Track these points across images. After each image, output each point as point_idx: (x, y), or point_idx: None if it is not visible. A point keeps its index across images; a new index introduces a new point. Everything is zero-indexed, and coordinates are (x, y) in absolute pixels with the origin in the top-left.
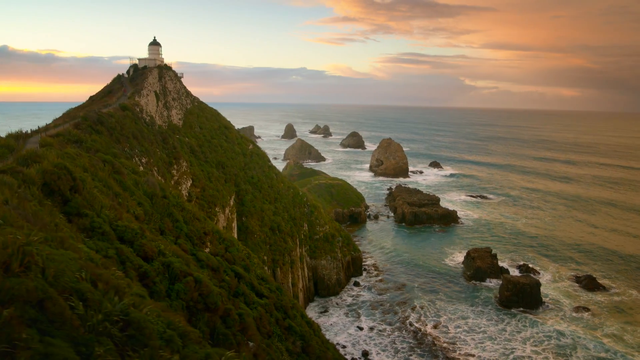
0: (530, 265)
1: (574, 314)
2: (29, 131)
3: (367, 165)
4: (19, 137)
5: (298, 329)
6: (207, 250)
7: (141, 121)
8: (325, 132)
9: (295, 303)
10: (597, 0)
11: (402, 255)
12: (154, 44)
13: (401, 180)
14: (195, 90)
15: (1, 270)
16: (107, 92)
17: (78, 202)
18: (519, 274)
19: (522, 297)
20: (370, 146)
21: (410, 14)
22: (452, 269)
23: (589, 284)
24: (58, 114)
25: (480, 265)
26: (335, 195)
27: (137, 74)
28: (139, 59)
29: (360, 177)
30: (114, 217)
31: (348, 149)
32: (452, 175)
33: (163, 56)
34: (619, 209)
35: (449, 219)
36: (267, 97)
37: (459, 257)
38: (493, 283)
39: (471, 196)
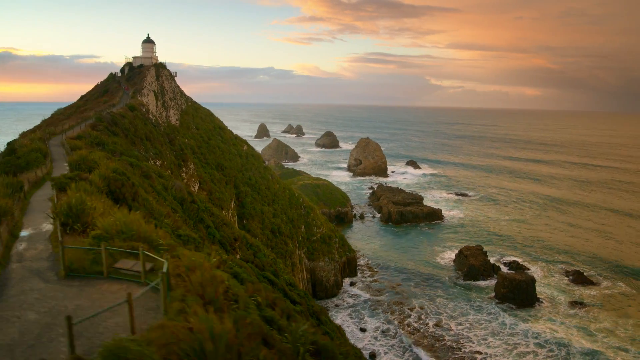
0: (520, 262)
1: (569, 310)
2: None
3: (345, 165)
4: (42, 139)
5: (333, 335)
6: (238, 256)
7: (149, 122)
8: (299, 131)
9: (323, 308)
10: (556, 3)
11: (393, 254)
12: (148, 41)
13: (381, 179)
14: None
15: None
16: (103, 91)
17: (142, 211)
18: (509, 271)
19: (518, 293)
20: (345, 146)
21: (377, 14)
22: (444, 267)
23: (578, 278)
24: (17, 114)
25: (474, 263)
26: (321, 196)
27: (134, 72)
28: (134, 57)
29: (339, 176)
30: (174, 226)
31: (323, 149)
32: (430, 174)
33: (157, 54)
34: (591, 207)
35: (434, 217)
36: (235, 96)
37: (450, 254)
38: (487, 281)
39: (452, 194)
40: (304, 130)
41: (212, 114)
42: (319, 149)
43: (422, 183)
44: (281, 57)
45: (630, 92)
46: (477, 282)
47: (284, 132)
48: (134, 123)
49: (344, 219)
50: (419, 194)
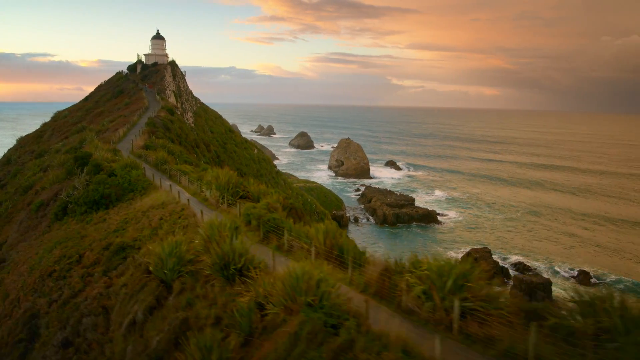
0: (526, 263)
1: None
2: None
3: (324, 166)
4: (114, 151)
5: None
6: None
7: (186, 126)
8: (270, 132)
9: None
10: (510, 5)
11: (400, 258)
12: (159, 37)
13: (364, 180)
14: None
15: None
16: (117, 92)
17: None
18: (518, 273)
19: (535, 297)
20: (319, 146)
21: (337, 14)
22: None
23: (585, 279)
24: None
25: (485, 266)
26: (315, 199)
27: (150, 71)
28: (145, 55)
29: (320, 178)
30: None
31: (298, 150)
32: (411, 174)
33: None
34: (580, 205)
35: (430, 218)
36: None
37: (453, 255)
38: (499, 284)
39: (438, 194)
40: (274, 131)
41: (220, 116)
42: (293, 150)
43: (406, 183)
44: (243, 57)
45: (581, 92)
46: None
47: (254, 132)
48: (182, 128)
49: (340, 222)
50: (408, 194)
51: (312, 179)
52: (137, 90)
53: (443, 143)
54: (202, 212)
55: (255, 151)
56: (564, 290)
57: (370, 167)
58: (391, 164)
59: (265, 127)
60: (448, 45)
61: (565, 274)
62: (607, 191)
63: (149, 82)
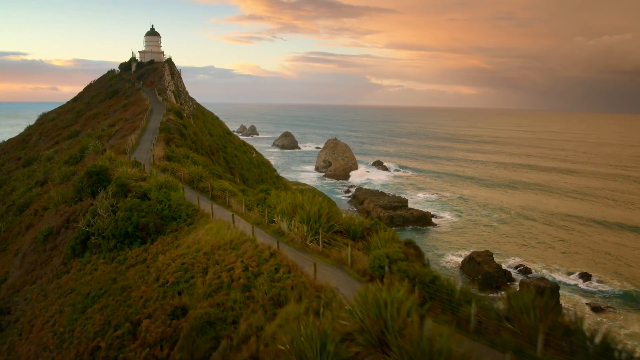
0: (528, 266)
1: (596, 316)
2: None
3: (310, 167)
4: (136, 165)
5: None
6: None
7: (198, 130)
8: (253, 132)
9: None
10: (486, 6)
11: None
12: (154, 34)
13: (353, 181)
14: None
15: None
16: (112, 92)
17: None
18: (524, 277)
19: None
20: (304, 146)
21: (316, 13)
22: (452, 273)
23: (587, 280)
24: None
25: (489, 270)
26: None
27: (147, 69)
28: (140, 52)
29: (308, 179)
30: None
31: (283, 150)
32: (399, 174)
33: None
34: (573, 202)
35: (425, 221)
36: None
37: (452, 259)
38: (502, 288)
39: (429, 195)
40: (257, 131)
41: (216, 117)
42: (278, 150)
43: (396, 184)
44: (221, 56)
45: (556, 91)
46: (494, 290)
47: (237, 132)
48: (197, 133)
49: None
50: (399, 195)
51: (300, 181)
52: (135, 90)
53: (427, 143)
54: (315, 267)
55: (254, 154)
56: (571, 293)
57: (358, 167)
58: (378, 163)
59: (247, 127)
60: (426, 45)
61: (568, 277)
62: (594, 192)
63: (147, 80)
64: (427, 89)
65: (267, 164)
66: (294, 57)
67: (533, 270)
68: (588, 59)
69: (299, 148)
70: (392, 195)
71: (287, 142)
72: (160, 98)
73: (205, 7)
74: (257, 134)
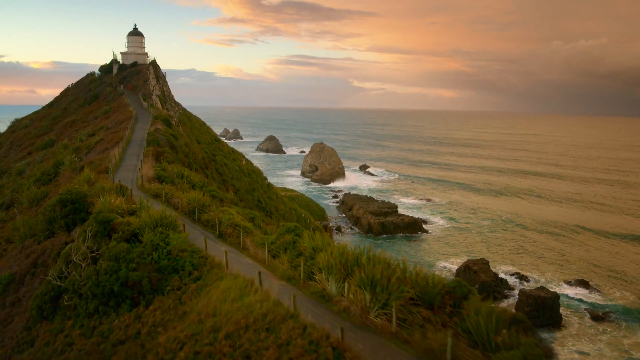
0: (524, 274)
1: (598, 326)
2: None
3: (296, 172)
4: (122, 190)
5: None
6: None
7: (189, 140)
8: (236, 135)
9: None
10: (466, 9)
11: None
12: (137, 34)
13: (339, 185)
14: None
15: None
16: (91, 97)
17: None
18: (522, 287)
19: (543, 312)
20: (289, 150)
21: (298, 16)
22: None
23: (585, 289)
24: None
25: (486, 279)
26: (299, 209)
27: (130, 72)
28: (122, 53)
29: (294, 184)
30: None
31: (267, 154)
32: (385, 178)
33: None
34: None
35: (416, 227)
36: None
37: (446, 266)
38: (507, 299)
39: (417, 200)
40: (241, 134)
41: (204, 123)
42: (263, 154)
43: (383, 189)
44: (203, 59)
45: (536, 94)
46: (494, 300)
47: (221, 136)
48: (188, 145)
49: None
50: (388, 201)
51: (287, 186)
52: (117, 95)
53: (412, 146)
54: None
55: (244, 162)
56: (577, 301)
57: (345, 172)
58: (364, 168)
59: (231, 130)
60: (407, 48)
61: (566, 285)
62: (583, 197)
63: (128, 84)
64: (410, 92)
65: (257, 171)
66: (276, 60)
67: (530, 279)
68: (565, 62)
69: (284, 152)
70: (382, 200)
71: (272, 146)
72: (145, 104)
73: (187, 10)
74: (241, 138)
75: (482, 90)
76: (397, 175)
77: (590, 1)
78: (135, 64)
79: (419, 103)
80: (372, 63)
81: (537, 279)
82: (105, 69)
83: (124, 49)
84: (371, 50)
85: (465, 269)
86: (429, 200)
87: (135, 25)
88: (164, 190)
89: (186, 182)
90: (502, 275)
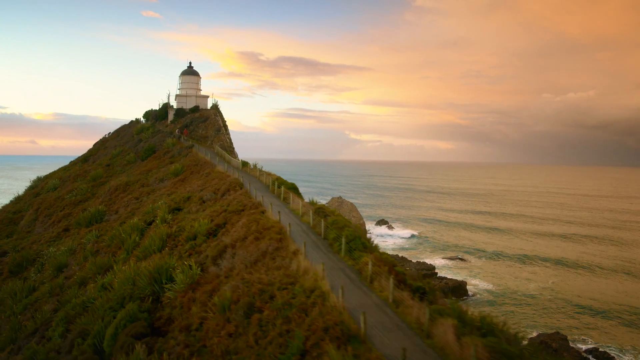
0: (599, 349)
1: None
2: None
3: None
4: None
5: None
6: None
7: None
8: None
9: None
10: (456, 65)
11: None
12: (192, 73)
13: None
14: (74, 143)
15: None
16: (147, 149)
17: None
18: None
19: None
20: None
21: (294, 71)
22: None
23: None
24: None
25: (569, 358)
26: None
27: (193, 119)
28: (177, 96)
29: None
30: None
31: None
32: (410, 234)
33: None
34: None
35: (461, 291)
36: None
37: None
38: None
39: (450, 259)
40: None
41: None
42: None
43: (411, 247)
44: None
45: (529, 145)
46: None
47: None
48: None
49: None
50: (423, 261)
51: None
52: (185, 149)
53: (423, 197)
54: None
55: None
56: None
57: (367, 229)
58: (383, 222)
59: None
60: (402, 102)
61: None
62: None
63: (193, 132)
64: (406, 144)
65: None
66: (274, 113)
67: (614, 355)
68: (556, 114)
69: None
70: (417, 261)
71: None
72: (236, 162)
73: (185, 64)
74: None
75: (478, 141)
76: (420, 231)
77: (576, 56)
78: (196, 108)
79: (416, 155)
80: (367, 116)
81: (622, 355)
82: (155, 115)
83: (162, 97)
84: (366, 103)
85: (544, 346)
86: (461, 260)
87: (190, 62)
88: None
89: None
90: (585, 354)
